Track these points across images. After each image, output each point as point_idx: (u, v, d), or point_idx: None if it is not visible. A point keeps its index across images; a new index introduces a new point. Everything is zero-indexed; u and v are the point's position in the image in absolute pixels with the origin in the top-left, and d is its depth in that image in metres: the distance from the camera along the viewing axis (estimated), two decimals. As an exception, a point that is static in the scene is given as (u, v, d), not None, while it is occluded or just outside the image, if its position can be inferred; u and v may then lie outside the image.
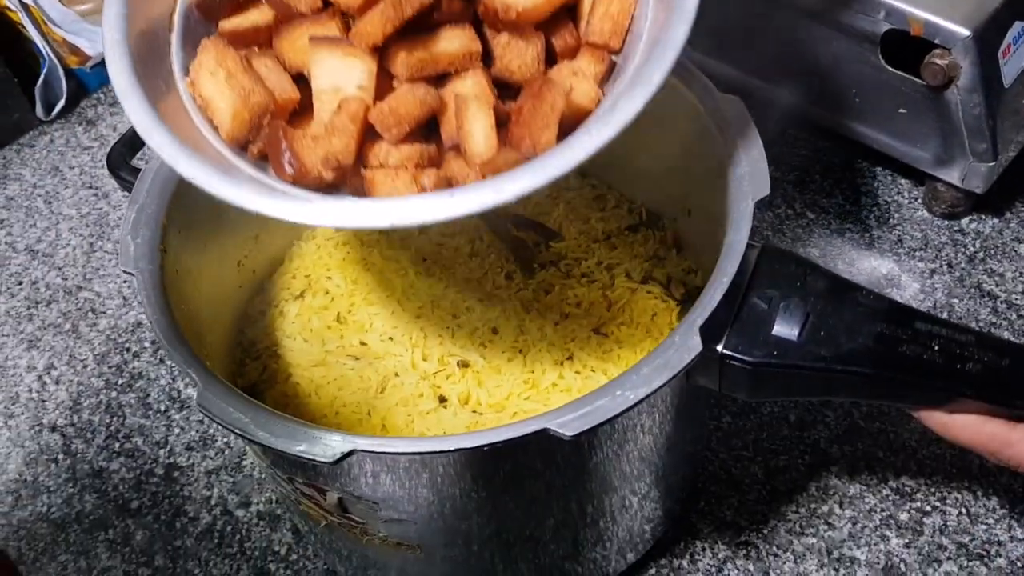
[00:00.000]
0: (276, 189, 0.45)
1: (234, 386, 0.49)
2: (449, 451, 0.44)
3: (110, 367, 0.78)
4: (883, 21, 0.71)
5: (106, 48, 0.46)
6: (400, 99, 0.45)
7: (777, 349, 0.49)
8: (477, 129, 0.45)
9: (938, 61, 0.69)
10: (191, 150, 0.44)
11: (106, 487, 0.71)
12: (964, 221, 0.80)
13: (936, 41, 0.69)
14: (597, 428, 0.44)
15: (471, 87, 0.47)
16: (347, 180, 0.46)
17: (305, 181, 0.45)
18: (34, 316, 0.82)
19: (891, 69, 0.73)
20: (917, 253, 0.78)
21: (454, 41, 0.46)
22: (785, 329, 0.49)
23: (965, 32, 0.68)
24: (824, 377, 0.49)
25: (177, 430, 0.73)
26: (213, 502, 0.69)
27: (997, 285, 0.76)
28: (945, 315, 0.74)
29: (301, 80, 0.48)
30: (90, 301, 0.82)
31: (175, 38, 0.49)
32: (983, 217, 0.80)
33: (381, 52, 0.46)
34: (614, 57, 0.49)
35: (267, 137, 0.46)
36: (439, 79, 0.47)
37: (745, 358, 0.48)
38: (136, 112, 0.44)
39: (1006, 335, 0.73)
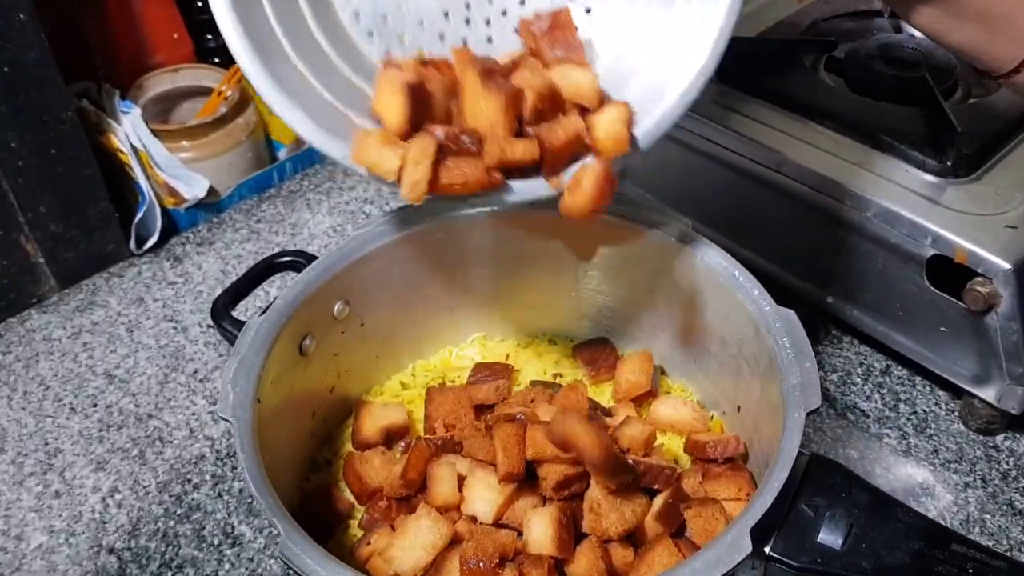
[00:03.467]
0: None
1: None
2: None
3: (171, 496, 0.81)
4: (929, 246, 0.76)
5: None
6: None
7: (821, 556, 0.52)
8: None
9: (979, 288, 0.74)
10: None
11: (154, 615, 0.74)
12: (999, 438, 0.83)
13: (979, 270, 0.74)
14: (650, 616, 0.47)
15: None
16: None
17: None
18: (105, 439, 0.86)
19: (935, 290, 0.78)
20: (952, 465, 0.81)
21: None
22: (830, 537, 0.52)
23: (1007, 265, 0.73)
24: (864, 587, 0.52)
25: (227, 566, 0.76)
26: (255, 641, 0.72)
27: (1029, 505, 0.78)
28: (977, 530, 0.77)
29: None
30: (159, 430, 0.87)
31: None
32: (1018, 436, 0.83)
33: None
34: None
35: None
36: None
37: (790, 562, 0.52)
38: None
39: (1036, 555, 0.75)
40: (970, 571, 0.50)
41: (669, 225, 0.68)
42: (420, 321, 0.75)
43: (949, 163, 0.80)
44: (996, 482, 0.80)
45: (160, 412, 0.88)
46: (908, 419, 0.85)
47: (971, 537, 0.76)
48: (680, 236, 0.68)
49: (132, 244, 1.03)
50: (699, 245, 0.67)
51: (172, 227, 1.06)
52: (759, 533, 0.51)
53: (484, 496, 0.61)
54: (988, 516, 0.78)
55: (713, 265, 0.66)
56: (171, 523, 0.80)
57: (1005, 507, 0.78)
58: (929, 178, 0.80)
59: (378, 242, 0.69)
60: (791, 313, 0.61)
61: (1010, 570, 0.50)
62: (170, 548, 0.78)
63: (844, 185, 0.80)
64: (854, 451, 0.82)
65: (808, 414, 0.55)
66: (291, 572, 0.75)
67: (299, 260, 0.70)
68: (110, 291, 1.00)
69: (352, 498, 0.68)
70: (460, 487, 0.62)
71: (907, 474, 0.81)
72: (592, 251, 0.72)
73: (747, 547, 0.49)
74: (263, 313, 0.64)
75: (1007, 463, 0.81)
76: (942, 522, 0.78)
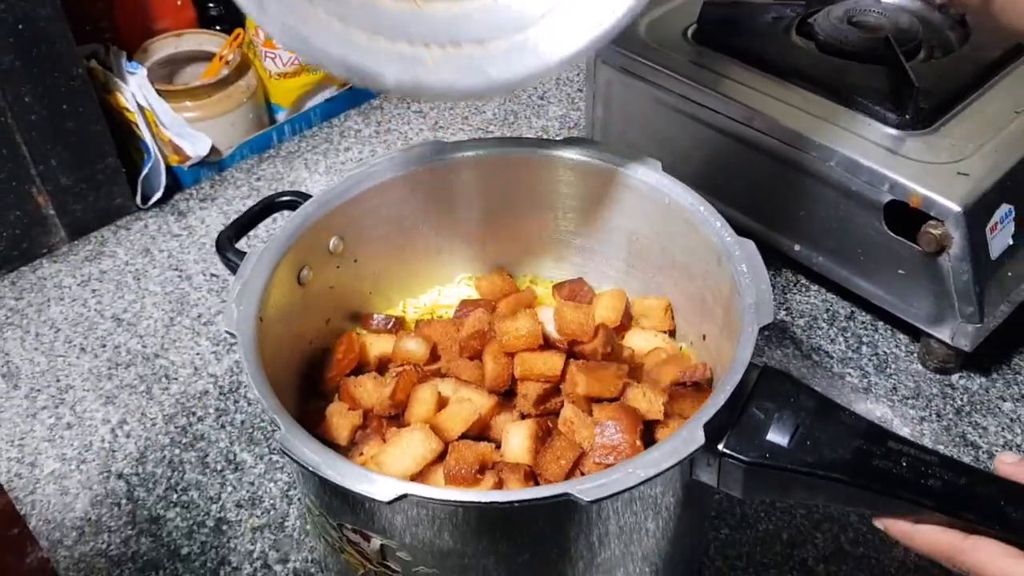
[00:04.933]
0: None
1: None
2: (485, 503, 0.52)
3: (176, 427, 0.87)
4: (887, 192, 0.82)
5: None
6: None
7: (769, 452, 0.57)
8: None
9: (932, 231, 0.80)
10: None
11: (161, 533, 0.79)
12: (954, 377, 0.89)
13: (932, 213, 0.80)
14: (611, 498, 0.52)
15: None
16: None
17: None
18: (113, 376, 0.91)
19: (892, 234, 0.83)
20: (909, 401, 0.87)
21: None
22: (777, 436, 0.57)
23: (957, 208, 0.78)
24: (808, 481, 0.57)
25: (230, 488, 0.82)
26: (255, 556, 0.77)
27: (980, 437, 0.84)
28: (930, 458, 0.82)
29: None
30: (165, 368, 0.92)
31: None
32: (972, 375, 0.89)
33: None
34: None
35: None
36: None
37: (741, 457, 0.57)
38: None
39: (985, 481, 0.80)
40: (904, 464, 0.55)
41: (640, 167, 0.73)
42: (409, 260, 0.80)
43: (907, 116, 0.85)
44: (950, 416, 0.86)
45: (166, 352, 0.93)
46: (869, 360, 0.90)
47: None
48: (650, 177, 0.73)
49: (138, 199, 1.08)
50: (668, 184, 0.72)
51: (176, 184, 1.11)
52: (713, 432, 0.56)
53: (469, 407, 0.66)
54: (942, 447, 0.83)
55: (681, 202, 0.71)
56: (176, 451, 0.85)
57: (958, 439, 0.84)
58: (889, 131, 0.86)
59: (370, 182, 0.74)
60: (750, 242, 0.66)
61: (940, 463, 0.55)
62: (175, 473, 0.83)
63: (810, 138, 0.86)
64: (817, 388, 0.87)
65: (761, 329, 0.61)
66: (290, 492, 0.80)
67: (297, 199, 0.75)
68: (118, 242, 1.05)
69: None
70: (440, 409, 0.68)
71: (866, 409, 0.86)
72: (569, 194, 0.77)
73: (700, 439, 0.54)
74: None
75: (961, 399, 0.87)
76: (898, 452, 0.83)
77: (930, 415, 0.86)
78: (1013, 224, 0.83)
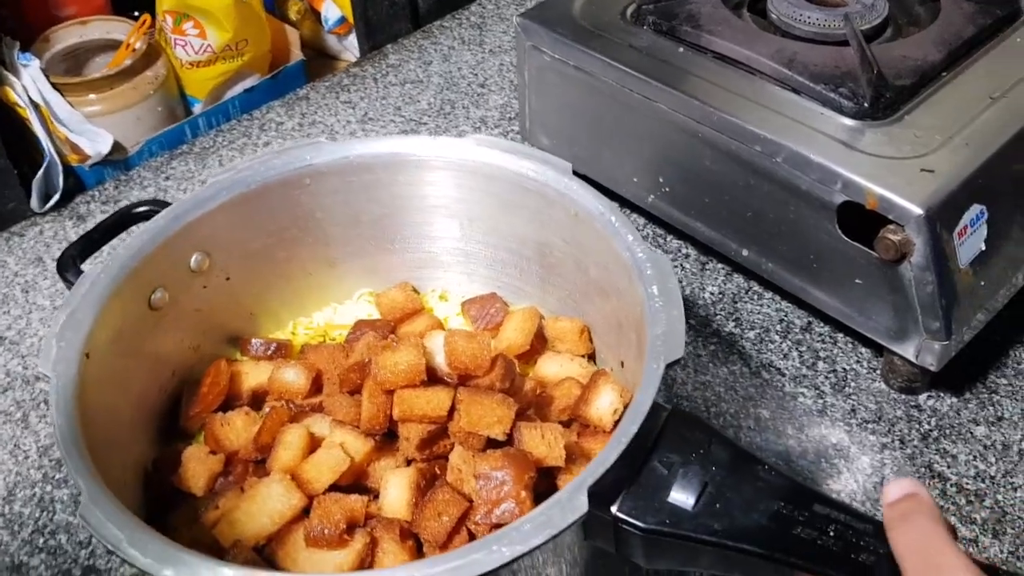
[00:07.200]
0: None
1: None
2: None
3: (50, 460, 0.78)
4: (840, 192, 0.72)
5: None
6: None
7: (670, 517, 0.48)
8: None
9: (891, 236, 0.70)
10: None
11: (21, 584, 0.70)
12: (921, 397, 0.79)
13: (891, 216, 0.70)
14: (465, 585, 0.43)
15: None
16: None
17: None
18: (-12, 402, 0.82)
19: (846, 239, 0.73)
20: (870, 425, 0.77)
21: None
22: (681, 497, 0.48)
23: (919, 211, 0.69)
24: (717, 552, 0.47)
25: (103, 533, 0.73)
26: (124, 611, 0.68)
27: (949, 467, 0.74)
28: (891, 492, 0.72)
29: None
30: (45, 393, 0.82)
31: None
32: (941, 395, 0.79)
33: None
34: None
35: None
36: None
37: (637, 523, 0.47)
38: None
39: (953, 520, 0.71)
40: (832, 534, 0.46)
41: (547, 168, 0.64)
42: (295, 276, 0.71)
43: (866, 104, 0.75)
44: (915, 443, 0.76)
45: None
46: (826, 377, 0.81)
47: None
48: (558, 181, 0.63)
49: (35, 202, 0.99)
50: (577, 190, 0.63)
51: (77, 185, 1.02)
52: (603, 492, 0.47)
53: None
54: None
55: (591, 210, 0.62)
56: (48, 488, 0.76)
57: (923, 469, 0.74)
58: (845, 121, 0.76)
59: (238, 190, 0.65)
60: (664, 259, 0.57)
61: (875, 532, 0.46)
62: (45, 514, 0.74)
63: (754, 130, 0.76)
64: (765, 411, 0.78)
65: (669, 365, 0.51)
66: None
67: (156, 209, 0.66)
68: (8, 251, 0.96)
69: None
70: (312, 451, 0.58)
71: (821, 435, 0.77)
72: (470, 199, 0.68)
73: (582, 506, 0.45)
74: (106, 265, 0.59)
75: (928, 423, 0.77)
76: (855, 485, 0.74)
77: (892, 441, 0.76)
78: (985, 227, 0.73)
